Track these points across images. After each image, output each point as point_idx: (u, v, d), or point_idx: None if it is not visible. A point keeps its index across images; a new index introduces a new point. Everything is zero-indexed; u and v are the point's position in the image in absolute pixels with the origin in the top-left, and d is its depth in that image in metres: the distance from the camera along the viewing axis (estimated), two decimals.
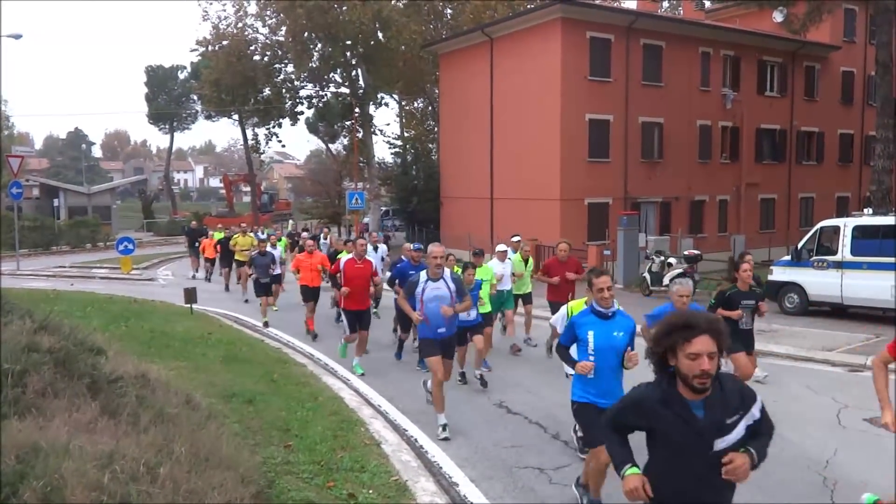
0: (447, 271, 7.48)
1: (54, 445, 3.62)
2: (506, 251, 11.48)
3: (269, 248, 15.98)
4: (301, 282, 12.88)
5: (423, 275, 7.37)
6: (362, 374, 9.85)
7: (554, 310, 9.31)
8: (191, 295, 14.90)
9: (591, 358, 5.06)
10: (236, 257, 19.50)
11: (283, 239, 22.45)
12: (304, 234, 22.08)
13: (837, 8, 27.90)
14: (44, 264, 30.28)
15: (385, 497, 5.28)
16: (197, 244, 24.06)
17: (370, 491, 5.33)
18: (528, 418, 7.75)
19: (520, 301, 12.03)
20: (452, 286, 7.31)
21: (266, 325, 14.00)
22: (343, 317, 10.51)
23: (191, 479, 3.87)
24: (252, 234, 20.34)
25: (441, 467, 6.27)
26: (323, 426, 6.87)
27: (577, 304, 6.55)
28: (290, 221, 42.79)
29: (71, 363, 5.02)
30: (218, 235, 23.91)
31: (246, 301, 17.73)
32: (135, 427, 4.48)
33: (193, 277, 23.80)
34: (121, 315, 13.79)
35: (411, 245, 11.03)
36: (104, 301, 16.40)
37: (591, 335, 5.08)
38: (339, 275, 10.54)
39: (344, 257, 11.01)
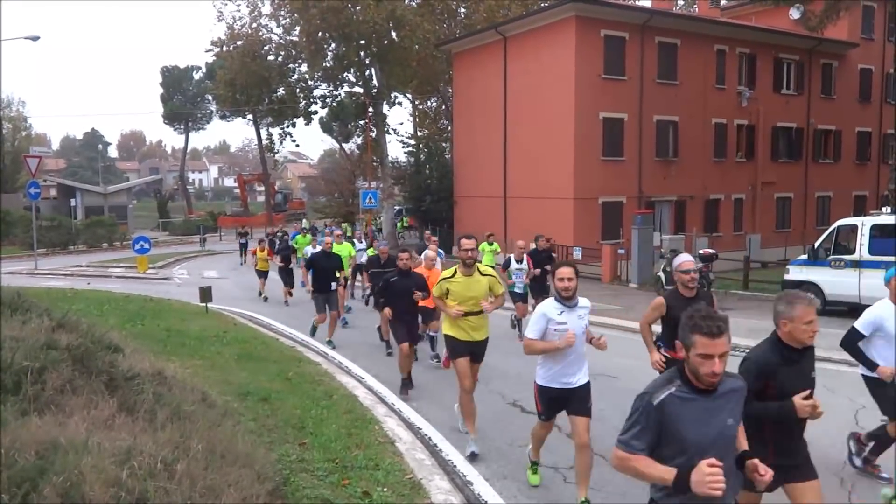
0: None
1: (73, 441, 3.65)
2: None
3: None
4: None
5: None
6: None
7: None
8: (206, 294, 15.00)
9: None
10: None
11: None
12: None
13: (855, 6, 27.60)
14: (61, 263, 30.59)
15: (399, 495, 5.28)
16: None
17: (385, 489, 5.34)
18: None
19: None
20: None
21: None
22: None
23: (207, 476, 3.89)
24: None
25: (455, 466, 6.27)
26: (337, 424, 6.89)
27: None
28: (304, 220, 42.92)
29: (89, 360, 5.06)
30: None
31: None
32: (152, 424, 4.51)
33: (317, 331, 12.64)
34: (137, 314, 13.90)
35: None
36: (121, 300, 16.53)
37: None
38: None
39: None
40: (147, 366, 5.99)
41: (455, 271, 6.80)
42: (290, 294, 17.82)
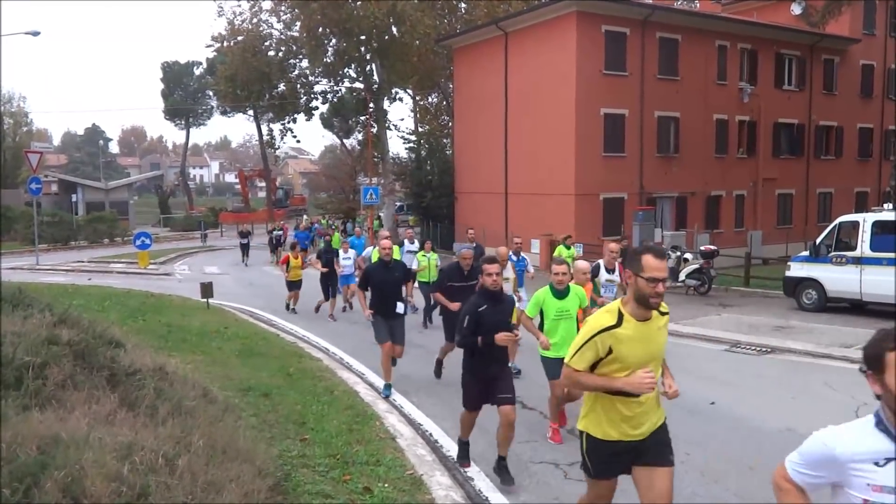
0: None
1: (74, 437, 3.66)
2: None
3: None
4: None
5: None
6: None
7: None
8: (207, 289, 15.01)
9: None
10: None
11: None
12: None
13: (857, 1, 27.53)
14: (62, 259, 30.61)
15: (400, 491, 5.28)
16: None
17: (386, 484, 5.34)
18: (543, 413, 7.72)
19: None
20: None
21: None
22: None
23: (208, 471, 3.90)
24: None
25: (456, 462, 6.27)
26: (338, 420, 6.90)
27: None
28: (305, 216, 42.91)
29: (90, 356, 5.06)
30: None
31: None
32: (153, 419, 4.52)
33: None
34: (138, 309, 13.91)
35: None
36: (122, 295, 16.54)
37: None
38: None
39: None
40: (148, 361, 5.99)
41: (620, 315, 3.54)
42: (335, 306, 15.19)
